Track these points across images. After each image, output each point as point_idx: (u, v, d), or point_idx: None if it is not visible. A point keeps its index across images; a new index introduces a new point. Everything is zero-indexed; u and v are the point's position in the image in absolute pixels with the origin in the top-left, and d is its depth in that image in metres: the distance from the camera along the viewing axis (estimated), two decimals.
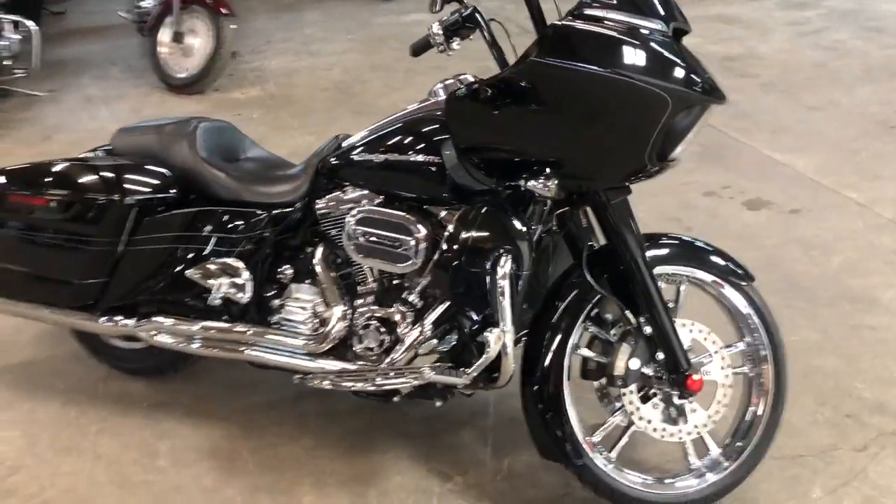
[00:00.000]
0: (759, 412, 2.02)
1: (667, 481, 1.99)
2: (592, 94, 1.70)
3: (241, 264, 2.14)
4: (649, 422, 1.95)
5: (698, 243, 2.04)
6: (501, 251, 1.81)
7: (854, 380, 2.45)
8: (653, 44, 1.69)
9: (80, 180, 2.14)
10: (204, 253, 2.17)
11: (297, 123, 4.67)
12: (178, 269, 2.17)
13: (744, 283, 1.99)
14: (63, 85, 5.41)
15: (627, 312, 1.92)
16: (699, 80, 1.71)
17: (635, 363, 1.91)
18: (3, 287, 2.26)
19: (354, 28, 6.59)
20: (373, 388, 1.99)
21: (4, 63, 4.94)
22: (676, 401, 1.93)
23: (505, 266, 1.80)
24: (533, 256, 1.88)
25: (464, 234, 1.85)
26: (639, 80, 1.66)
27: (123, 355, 2.50)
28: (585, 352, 1.97)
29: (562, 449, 1.93)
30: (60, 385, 2.53)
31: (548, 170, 1.78)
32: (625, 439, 1.98)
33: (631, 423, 1.96)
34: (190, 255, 2.18)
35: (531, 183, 1.78)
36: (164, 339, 2.22)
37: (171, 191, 2.19)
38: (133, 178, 2.18)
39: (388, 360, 2.00)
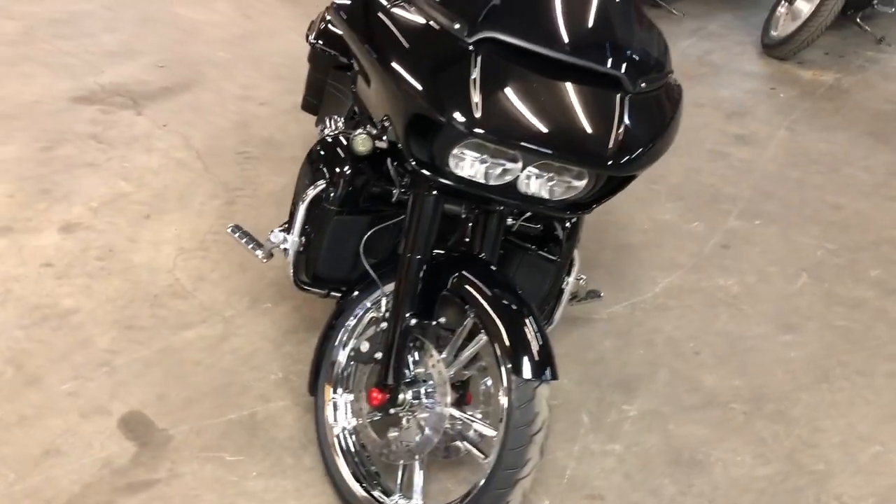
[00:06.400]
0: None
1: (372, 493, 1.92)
2: (360, 61, 1.69)
3: None
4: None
5: (514, 306, 1.73)
6: (319, 175, 1.98)
7: None
8: (417, 40, 1.58)
9: None
10: None
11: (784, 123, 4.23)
12: None
13: (515, 373, 1.66)
14: (698, 13, 5.73)
15: (382, 302, 1.88)
16: (454, 101, 1.52)
17: (363, 345, 1.89)
18: None
19: None
20: None
21: None
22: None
23: (314, 187, 1.97)
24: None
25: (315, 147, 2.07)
26: (385, 67, 1.60)
27: None
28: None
29: (313, 381, 2.07)
30: None
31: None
32: None
33: None
34: None
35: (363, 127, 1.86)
36: None
37: None
38: None
39: None
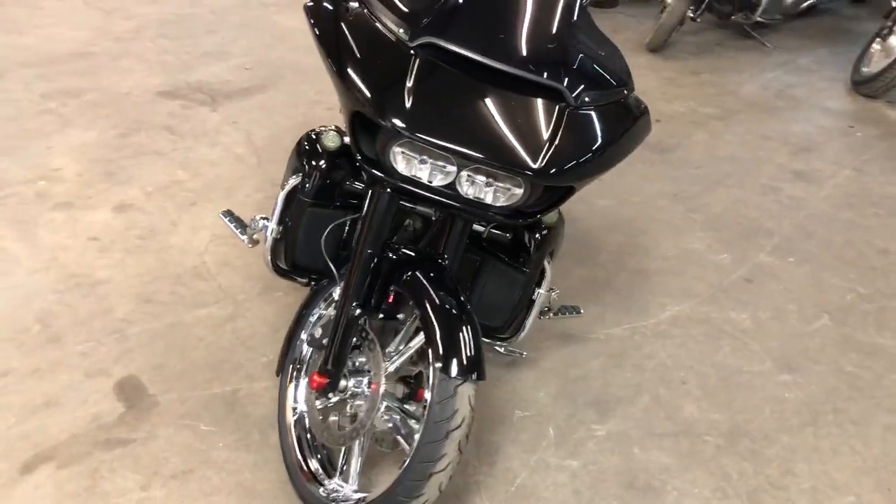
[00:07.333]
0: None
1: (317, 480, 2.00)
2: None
3: None
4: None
5: (453, 305, 1.79)
6: (300, 167, 2.09)
7: None
8: (365, 41, 1.66)
9: None
10: None
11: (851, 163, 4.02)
12: None
13: (442, 371, 1.72)
14: (792, 46, 5.56)
15: (337, 287, 1.97)
16: (387, 101, 1.60)
17: (317, 332, 1.98)
18: None
19: None
20: None
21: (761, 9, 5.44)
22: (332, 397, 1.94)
23: (294, 178, 2.09)
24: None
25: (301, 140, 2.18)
26: (332, 65, 1.70)
27: None
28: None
29: (281, 363, 2.18)
30: None
31: None
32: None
33: None
34: None
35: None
36: None
37: None
38: None
39: None
